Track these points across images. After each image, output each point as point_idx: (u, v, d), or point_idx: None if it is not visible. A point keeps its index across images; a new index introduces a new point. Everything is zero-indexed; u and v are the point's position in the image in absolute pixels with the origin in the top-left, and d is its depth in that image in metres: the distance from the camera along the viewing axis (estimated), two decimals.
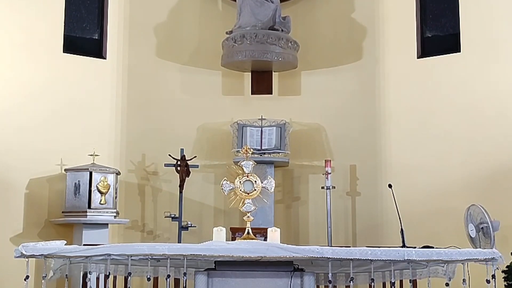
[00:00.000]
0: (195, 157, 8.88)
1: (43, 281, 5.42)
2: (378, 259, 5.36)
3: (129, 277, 5.54)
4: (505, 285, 7.04)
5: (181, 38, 9.64)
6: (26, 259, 5.38)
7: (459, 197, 8.14)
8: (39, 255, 5.37)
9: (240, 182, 5.78)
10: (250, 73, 9.49)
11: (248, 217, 5.77)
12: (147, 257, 5.46)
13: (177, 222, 8.67)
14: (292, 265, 5.59)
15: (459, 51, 8.71)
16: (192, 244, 5.65)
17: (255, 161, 5.95)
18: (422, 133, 8.84)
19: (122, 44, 9.28)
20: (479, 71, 8.56)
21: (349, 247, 6.42)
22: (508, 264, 6.92)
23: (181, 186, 8.78)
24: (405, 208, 7.53)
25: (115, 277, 6.51)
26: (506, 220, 7.17)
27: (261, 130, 9.14)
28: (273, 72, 9.46)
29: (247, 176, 5.79)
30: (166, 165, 8.81)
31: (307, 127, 9.47)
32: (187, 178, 8.79)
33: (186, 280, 5.37)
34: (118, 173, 8.62)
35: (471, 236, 6.90)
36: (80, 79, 8.87)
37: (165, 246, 5.49)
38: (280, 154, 9.08)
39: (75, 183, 8.31)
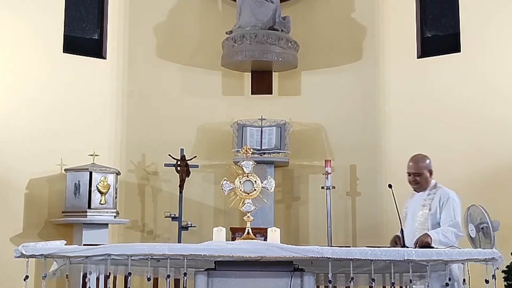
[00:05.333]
0: (195, 157, 8.88)
1: (43, 281, 5.41)
2: (378, 259, 5.35)
3: (129, 277, 5.53)
4: (505, 285, 7.04)
5: (181, 38, 9.63)
6: (26, 259, 5.36)
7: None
8: (39, 255, 5.34)
9: (240, 182, 5.76)
10: (250, 73, 9.49)
11: (248, 217, 5.75)
12: (147, 257, 5.45)
13: (177, 222, 8.67)
14: (292, 265, 5.57)
15: (459, 51, 8.71)
16: (192, 244, 5.63)
17: (255, 161, 5.91)
18: (422, 133, 8.84)
19: (122, 44, 9.28)
20: (479, 71, 8.55)
21: (349, 247, 6.41)
22: (508, 264, 6.92)
23: (181, 186, 8.78)
24: None
25: (115, 277, 6.51)
26: (506, 220, 7.12)
27: (261, 130, 9.14)
28: (273, 72, 9.46)
29: (247, 176, 5.76)
30: (166, 165, 8.81)
31: (307, 127, 9.47)
32: (187, 178, 8.79)
33: (186, 280, 5.36)
34: (118, 173, 8.62)
35: (471, 236, 6.87)
36: (80, 79, 8.88)
37: (165, 246, 5.46)
38: (280, 154, 9.08)
39: (75, 183, 8.31)
